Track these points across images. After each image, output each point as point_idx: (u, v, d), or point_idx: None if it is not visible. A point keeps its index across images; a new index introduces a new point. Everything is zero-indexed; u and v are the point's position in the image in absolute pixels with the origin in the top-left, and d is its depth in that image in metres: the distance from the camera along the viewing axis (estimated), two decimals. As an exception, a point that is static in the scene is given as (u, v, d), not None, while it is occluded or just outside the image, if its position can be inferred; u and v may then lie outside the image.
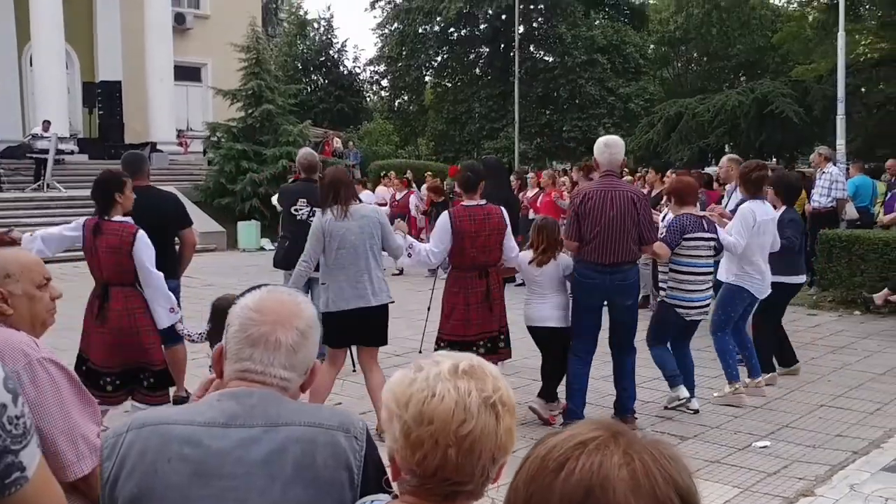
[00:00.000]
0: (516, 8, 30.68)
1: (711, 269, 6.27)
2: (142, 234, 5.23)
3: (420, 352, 7.98)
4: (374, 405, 5.46)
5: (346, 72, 43.47)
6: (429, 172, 21.41)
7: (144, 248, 5.25)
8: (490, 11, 37.79)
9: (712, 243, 6.16)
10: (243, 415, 1.68)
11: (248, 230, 19.12)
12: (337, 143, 26.47)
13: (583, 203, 5.67)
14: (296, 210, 7.24)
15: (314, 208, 7.07)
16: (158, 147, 23.47)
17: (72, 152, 21.95)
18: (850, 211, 12.09)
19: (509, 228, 5.98)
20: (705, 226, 6.15)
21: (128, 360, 5.28)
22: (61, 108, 22.33)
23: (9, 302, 2.34)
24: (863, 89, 25.19)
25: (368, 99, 46.04)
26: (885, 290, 9.28)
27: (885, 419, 6.10)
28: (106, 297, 5.24)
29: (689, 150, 21.59)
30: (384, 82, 44.84)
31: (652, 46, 42.68)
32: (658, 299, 6.17)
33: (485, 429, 1.39)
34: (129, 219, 5.36)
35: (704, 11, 38.65)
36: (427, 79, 43.37)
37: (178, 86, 25.94)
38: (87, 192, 19.31)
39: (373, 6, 42.79)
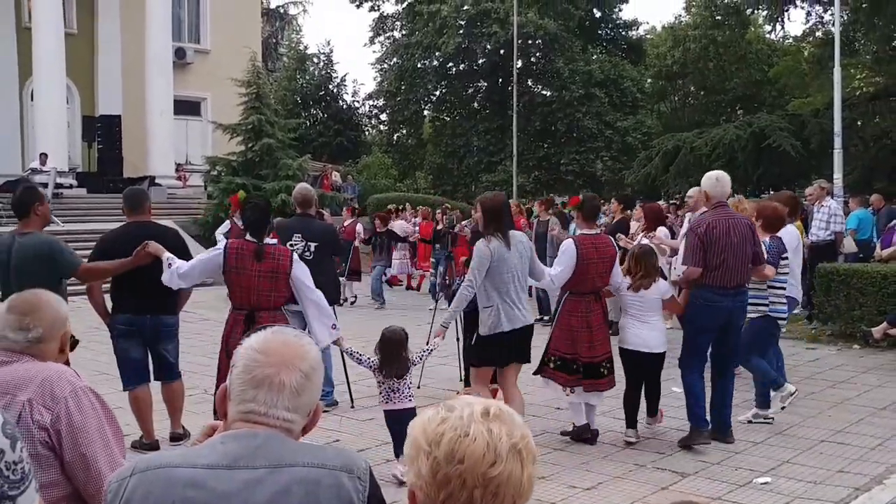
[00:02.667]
0: (514, 43, 30.98)
1: (785, 284, 6.91)
2: (296, 256, 5.42)
3: (418, 387, 7.91)
4: None
5: (345, 106, 43.79)
6: (446, 204, 22.00)
7: (302, 268, 5.37)
8: (488, 46, 38.15)
9: (788, 261, 6.94)
10: (247, 456, 1.67)
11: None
12: (335, 176, 26.54)
13: (707, 232, 6.10)
14: (291, 245, 7.23)
15: (309, 243, 7.12)
16: (157, 181, 23.51)
17: (70, 186, 22.01)
18: (849, 244, 12.12)
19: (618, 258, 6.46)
20: (783, 246, 6.90)
21: None
22: (61, 142, 22.42)
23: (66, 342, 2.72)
24: (859, 122, 25.35)
25: (367, 133, 46.32)
26: (884, 324, 9.23)
27: (886, 455, 6.05)
28: (251, 321, 5.19)
29: (688, 184, 21.62)
30: (383, 116, 45.16)
31: (649, 80, 43.06)
32: (759, 315, 6.72)
33: (511, 474, 1.42)
34: (274, 240, 5.54)
35: (701, 46, 39.04)
36: (426, 113, 43.68)
37: (178, 120, 26.05)
38: (86, 227, 19.13)
39: (372, 41, 43.24)
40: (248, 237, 5.44)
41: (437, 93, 42.73)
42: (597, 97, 37.86)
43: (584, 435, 6.27)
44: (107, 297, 6.08)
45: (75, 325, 7.91)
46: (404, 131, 44.11)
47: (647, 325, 6.23)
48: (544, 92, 40.65)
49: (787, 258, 6.83)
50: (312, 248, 7.13)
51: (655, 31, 47.90)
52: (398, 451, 5.38)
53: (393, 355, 5.31)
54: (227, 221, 15.33)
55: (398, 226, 16.71)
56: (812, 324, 11.07)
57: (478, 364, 5.97)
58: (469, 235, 10.99)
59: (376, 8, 42.78)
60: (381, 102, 44.09)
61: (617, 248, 6.53)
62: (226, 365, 5.16)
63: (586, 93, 37.69)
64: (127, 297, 5.90)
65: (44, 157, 20.50)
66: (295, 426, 1.77)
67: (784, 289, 6.80)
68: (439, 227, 16.11)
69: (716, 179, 6.33)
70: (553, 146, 39.89)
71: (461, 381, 7.86)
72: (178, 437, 6.35)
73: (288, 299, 5.42)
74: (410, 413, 5.13)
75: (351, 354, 5.62)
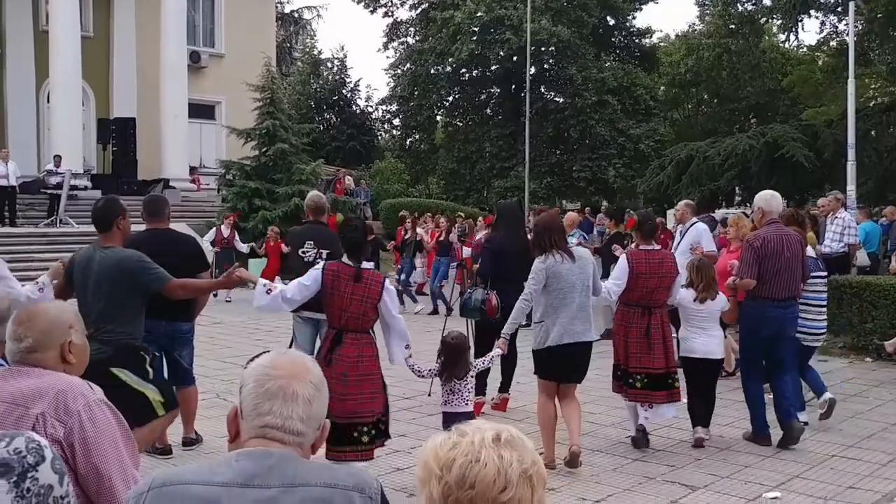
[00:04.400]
0: (527, 50, 30.97)
1: (825, 302, 7.32)
2: (387, 282, 5.40)
3: (429, 395, 7.94)
4: (569, 427, 5.92)
5: (358, 111, 43.87)
6: (459, 213, 22.09)
7: (392, 295, 5.41)
8: (501, 53, 38.14)
9: (825, 279, 7.39)
10: (261, 475, 1.70)
11: (258, 267, 19.07)
12: (349, 181, 26.62)
13: (763, 246, 6.45)
14: (303, 252, 7.26)
15: (321, 250, 7.14)
16: (171, 184, 23.65)
17: (85, 188, 22.15)
18: (862, 257, 12.09)
19: (682, 274, 6.63)
20: (820, 265, 7.37)
21: (346, 411, 5.04)
22: (76, 144, 22.58)
23: (72, 351, 2.66)
24: (873, 133, 25.20)
25: (380, 137, 46.40)
26: (897, 337, 9.21)
27: (897, 471, 6.03)
28: (339, 341, 5.17)
29: (700, 193, 21.55)
30: (396, 121, 45.23)
31: (662, 88, 42.93)
32: None
33: (522, 499, 1.43)
34: (370, 264, 5.55)
35: (715, 55, 38.89)
36: (438, 118, 43.72)
37: (192, 123, 26.17)
38: None
39: (385, 47, 43.31)
40: (345, 259, 5.35)
41: (450, 98, 42.75)
42: (609, 104, 37.78)
43: (640, 444, 6.48)
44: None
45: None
46: (417, 136, 44.16)
47: (709, 335, 6.58)
48: (557, 98, 40.60)
49: (821, 276, 7.28)
50: (325, 255, 7.15)
51: (669, 39, 47.84)
52: None
53: (455, 361, 5.53)
54: (213, 229, 15.47)
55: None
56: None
57: (539, 376, 6.12)
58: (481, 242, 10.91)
59: (390, 14, 42.90)
60: (394, 107, 44.16)
61: (676, 268, 6.66)
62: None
63: (599, 100, 37.62)
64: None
65: (58, 159, 20.64)
66: (306, 440, 1.81)
67: (821, 306, 7.24)
68: (441, 236, 16.07)
69: (770, 197, 6.82)
70: (565, 153, 39.83)
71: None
72: (190, 441, 6.39)
73: (374, 322, 5.40)
74: (468, 416, 5.25)
75: (415, 370, 5.67)
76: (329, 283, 5.18)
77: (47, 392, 2.44)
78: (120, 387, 4.67)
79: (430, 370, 5.66)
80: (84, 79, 23.68)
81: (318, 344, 7.33)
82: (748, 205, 24.83)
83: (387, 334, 5.47)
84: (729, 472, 5.96)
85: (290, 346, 7.66)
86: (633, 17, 42.44)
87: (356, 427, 5.10)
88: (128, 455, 2.49)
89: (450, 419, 5.45)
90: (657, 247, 6.68)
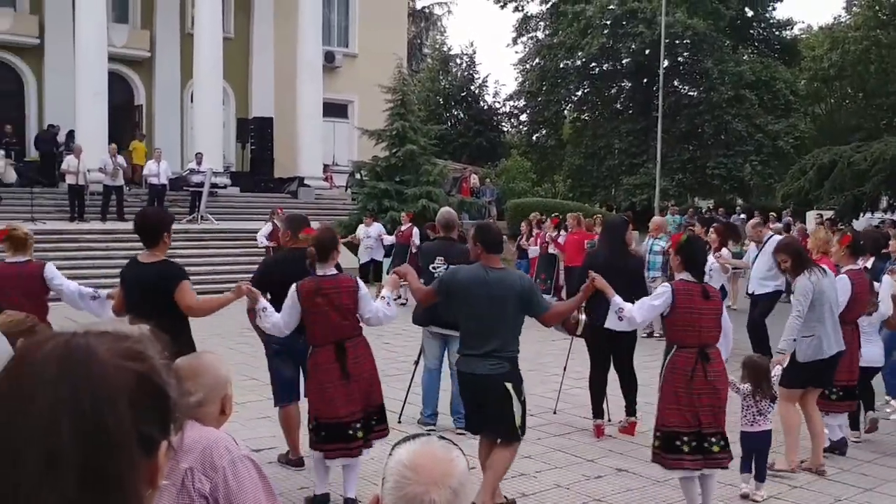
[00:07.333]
0: (661, 42, 30.26)
1: None
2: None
3: (555, 412, 7.86)
4: (813, 441, 6.30)
5: (485, 107, 43.98)
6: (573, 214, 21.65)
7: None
8: (633, 47, 37.40)
9: None
10: None
11: (388, 264, 19.50)
12: (474, 179, 26.72)
13: None
14: (434, 268, 7.32)
15: (450, 266, 7.17)
16: (306, 182, 24.31)
17: (224, 186, 23.06)
18: None
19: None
20: None
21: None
22: (217, 143, 23.50)
23: (228, 404, 2.74)
24: None
25: (506, 133, 46.37)
26: None
27: None
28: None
29: (843, 199, 20.47)
30: (523, 117, 45.09)
31: (803, 82, 41.05)
32: None
33: None
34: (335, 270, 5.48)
35: (862, 48, 36.86)
36: (566, 113, 43.32)
37: (326, 122, 26.83)
38: (238, 225, 19.83)
39: (515, 42, 43.27)
40: (684, 276, 5.26)
41: (579, 93, 42.31)
42: (747, 99, 36.51)
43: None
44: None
45: (227, 325, 8.31)
46: (544, 132, 43.92)
47: (873, 343, 7.03)
48: (691, 93, 39.56)
49: None
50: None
51: (811, 31, 45.68)
52: (746, 468, 5.71)
53: (763, 380, 5.69)
54: (269, 224, 15.37)
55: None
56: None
57: (788, 386, 6.16)
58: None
59: (520, 8, 42.78)
60: (521, 103, 44.06)
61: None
62: None
63: (736, 94, 36.40)
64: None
65: (200, 157, 21.55)
66: None
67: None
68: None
69: None
70: (699, 149, 38.75)
71: (554, 412, 7.86)
72: (297, 461, 6.38)
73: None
74: (769, 434, 5.70)
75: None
76: (681, 302, 5.13)
77: (195, 447, 2.52)
78: (507, 399, 5.03)
79: (737, 387, 5.68)
80: (225, 79, 24.63)
81: (446, 359, 7.47)
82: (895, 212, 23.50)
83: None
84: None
85: (418, 359, 7.79)
86: (773, 9, 40.88)
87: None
88: None
89: (755, 438, 5.66)
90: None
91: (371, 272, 16.08)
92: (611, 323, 5.48)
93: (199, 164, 21.33)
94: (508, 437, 5.13)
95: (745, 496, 5.62)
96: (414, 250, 15.44)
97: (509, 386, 5.05)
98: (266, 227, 15.38)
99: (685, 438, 5.06)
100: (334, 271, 5.43)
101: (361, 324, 5.46)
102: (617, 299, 5.35)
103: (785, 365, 6.07)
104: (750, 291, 10.53)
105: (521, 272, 5.58)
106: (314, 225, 6.41)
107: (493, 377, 5.05)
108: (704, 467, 5.10)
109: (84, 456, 0.97)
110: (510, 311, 5.13)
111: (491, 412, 5.14)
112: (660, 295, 5.28)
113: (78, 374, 1.00)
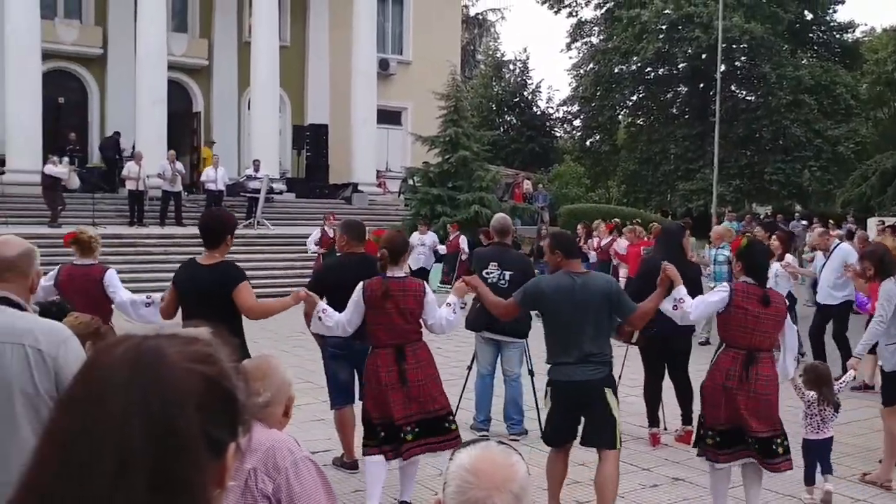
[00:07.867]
0: (719, 47, 29.86)
1: None
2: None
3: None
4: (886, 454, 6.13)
5: (538, 112, 43.85)
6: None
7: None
8: (689, 51, 36.98)
9: None
10: None
11: (436, 272, 19.60)
12: (527, 185, 26.65)
13: None
14: (487, 273, 7.30)
15: (504, 272, 7.17)
16: (359, 188, 24.50)
17: (280, 192, 23.36)
18: None
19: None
20: None
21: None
22: (273, 150, 23.81)
23: (290, 406, 2.80)
24: None
25: (559, 139, 46.15)
26: None
27: None
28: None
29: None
30: (577, 122, 44.87)
31: (865, 86, 40.09)
32: None
33: None
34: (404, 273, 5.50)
35: (928, 50, 35.96)
36: (620, 118, 42.98)
37: (380, 128, 27.00)
38: (294, 231, 19.85)
39: (569, 47, 43.09)
40: (746, 279, 5.13)
41: (634, 98, 41.97)
42: (806, 104, 35.81)
43: None
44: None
45: (282, 329, 8.39)
46: (598, 137, 43.62)
47: None
48: (748, 98, 38.96)
49: None
50: (507, 277, 7.18)
51: (874, 33, 44.61)
52: (810, 480, 5.66)
53: (823, 388, 5.61)
54: (318, 230, 15.35)
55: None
56: None
57: (889, 403, 6.08)
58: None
59: (574, 14, 42.65)
60: (575, 108, 43.83)
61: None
62: None
63: (794, 99, 35.74)
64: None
65: (257, 164, 21.87)
66: None
67: None
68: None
69: None
70: (757, 154, 38.12)
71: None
72: (351, 464, 6.37)
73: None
74: (832, 440, 5.65)
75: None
76: (739, 302, 5.01)
77: (259, 448, 2.57)
78: (608, 406, 4.97)
79: (803, 394, 5.65)
80: (281, 87, 24.96)
81: (499, 365, 7.46)
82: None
83: (784, 344, 5.39)
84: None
85: (471, 365, 7.79)
86: (834, 11, 40.00)
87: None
88: None
89: (818, 445, 5.59)
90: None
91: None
92: (665, 306, 5.26)
93: (256, 170, 21.65)
94: (611, 444, 4.98)
95: None
96: (463, 257, 15.46)
97: (608, 392, 4.96)
98: (315, 234, 15.49)
99: (713, 433, 5.04)
100: (403, 274, 5.44)
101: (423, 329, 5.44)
102: (682, 289, 5.17)
103: (858, 370, 6.06)
104: (820, 301, 10.05)
105: (605, 274, 5.65)
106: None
107: (592, 383, 4.94)
108: (734, 460, 5.06)
109: (154, 459, 0.98)
110: (601, 314, 5.04)
111: (592, 420, 5.02)
112: (718, 292, 5.21)
113: (148, 377, 1.01)
